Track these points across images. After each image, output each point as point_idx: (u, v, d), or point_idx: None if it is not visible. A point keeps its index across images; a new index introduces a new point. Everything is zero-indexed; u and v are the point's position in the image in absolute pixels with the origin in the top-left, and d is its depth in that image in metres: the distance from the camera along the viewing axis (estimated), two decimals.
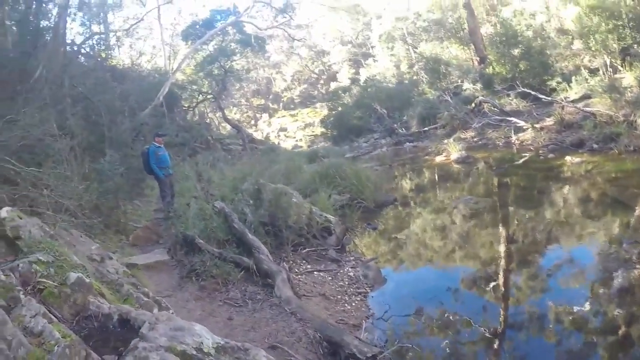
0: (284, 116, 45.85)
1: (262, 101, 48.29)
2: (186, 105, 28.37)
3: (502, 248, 9.29)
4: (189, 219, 9.26)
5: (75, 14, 23.85)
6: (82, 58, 23.52)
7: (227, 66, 27.35)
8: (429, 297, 7.25)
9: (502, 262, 8.52)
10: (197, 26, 27.97)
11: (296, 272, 8.39)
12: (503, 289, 7.41)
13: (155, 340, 3.18)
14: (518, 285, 7.59)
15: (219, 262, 7.84)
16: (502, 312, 6.58)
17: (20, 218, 5.04)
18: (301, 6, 38.73)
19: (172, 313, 5.40)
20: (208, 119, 30.80)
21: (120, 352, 3.22)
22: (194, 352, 3.14)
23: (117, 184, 11.62)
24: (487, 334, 5.93)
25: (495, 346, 5.77)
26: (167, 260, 8.72)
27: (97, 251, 6.41)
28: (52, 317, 3.55)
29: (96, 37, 26.08)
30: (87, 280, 4.17)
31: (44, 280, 3.99)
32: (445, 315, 6.61)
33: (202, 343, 3.28)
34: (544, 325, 5.97)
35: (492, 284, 7.58)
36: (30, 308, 3.52)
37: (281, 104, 48.66)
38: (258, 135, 35.57)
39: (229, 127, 31.41)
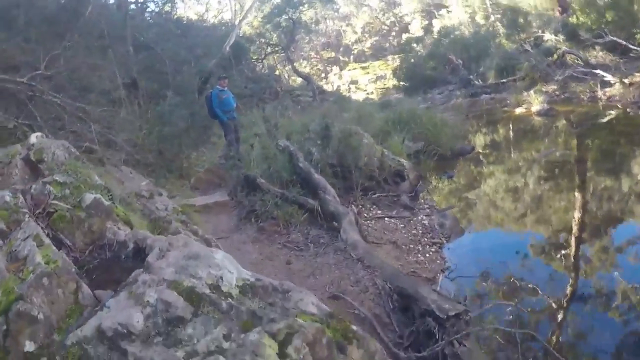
0: (354, 69, 44.30)
1: (333, 54, 46.92)
2: (255, 58, 27.66)
3: (575, 215, 8.11)
4: (251, 160, 8.74)
5: None
6: (147, 14, 23.31)
7: (295, 17, 26.21)
8: (496, 260, 6.45)
9: (574, 231, 7.47)
10: None
11: (365, 217, 7.56)
12: (572, 259, 6.54)
13: (160, 272, 2.34)
14: (588, 256, 6.68)
15: (281, 202, 7.21)
16: (569, 283, 5.89)
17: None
18: None
19: None
20: (277, 71, 29.96)
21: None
22: (207, 291, 2.25)
23: (181, 129, 11.36)
24: (552, 304, 5.28)
25: (559, 318, 5.13)
26: (226, 202, 8.28)
27: (147, 187, 5.87)
28: (48, 241, 2.84)
29: None
30: (107, 203, 3.47)
31: (55, 202, 3.33)
32: (511, 280, 5.85)
33: (221, 278, 2.36)
34: (610, 302, 5.33)
35: (561, 253, 6.71)
36: (26, 231, 2.83)
37: (352, 57, 47.07)
38: (328, 88, 34.44)
39: (299, 80, 30.53)
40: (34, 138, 4.58)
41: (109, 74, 10.98)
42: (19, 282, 2.33)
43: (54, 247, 2.70)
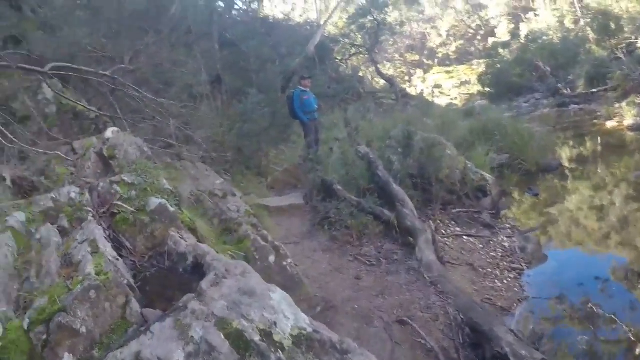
0: (438, 73, 43.18)
1: (417, 57, 45.96)
2: (339, 58, 27.55)
3: None
4: (330, 164, 8.56)
5: None
6: (235, 13, 23.81)
7: (380, 19, 25.82)
8: (574, 283, 5.92)
9: None
10: None
11: (442, 233, 7.13)
12: None
13: (211, 304, 2.11)
14: None
15: (356, 212, 6.91)
16: None
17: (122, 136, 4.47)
18: None
19: (291, 262, 4.49)
20: (361, 73, 29.69)
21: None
22: (257, 338, 1.98)
23: (261, 127, 11.39)
24: (630, 336, 4.67)
25: (637, 352, 4.53)
26: (301, 205, 8.17)
27: (221, 186, 5.81)
28: (104, 249, 2.70)
29: None
30: (172, 209, 3.33)
31: (120, 203, 3.23)
32: (589, 306, 5.29)
33: (275, 324, 2.10)
34: None
35: None
36: (85, 232, 2.71)
37: (436, 60, 45.92)
38: (411, 91, 33.74)
39: (382, 82, 30.14)
40: (109, 132, 4.61)
41: (193, 70, 11.14)
42: (66, 292, 2.21)
43: (109, 256, 2.57)
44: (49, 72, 6.31)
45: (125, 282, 2.41)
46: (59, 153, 4.60)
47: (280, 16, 28.92)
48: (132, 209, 3.25)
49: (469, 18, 46.11)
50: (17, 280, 2.48)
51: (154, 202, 3.33)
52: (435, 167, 8.06)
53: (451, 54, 46.11)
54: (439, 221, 7.43)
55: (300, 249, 6.25)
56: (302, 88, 10.39)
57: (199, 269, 2.68)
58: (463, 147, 10.45)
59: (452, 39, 47.11)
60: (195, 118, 9.33)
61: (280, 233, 6.74)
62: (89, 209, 3.19)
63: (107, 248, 2.68)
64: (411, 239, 6.21)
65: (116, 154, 4.18)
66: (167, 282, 2.72)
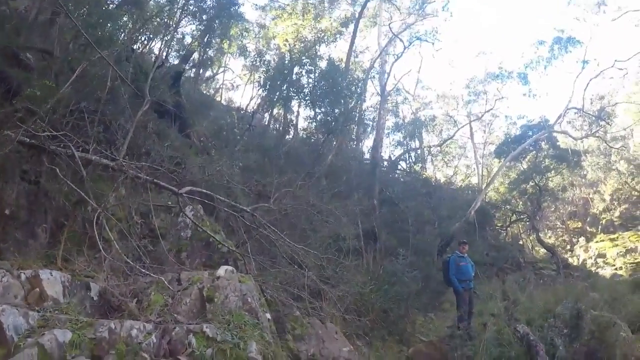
0: (602, 240, 39.24)
1: (579, 224, 42.60)
2: (499, 225, 26.63)
3: None
4: (482, 342, 7.67)
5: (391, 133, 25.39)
6: (397, 173, 24.58)
7: (542, 184, 24.86)
8: None
9: None
10: (509, 143, 26.47)
11: None
12: None
13: None
14: None
15: None
16: None
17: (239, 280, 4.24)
18: (616, 113, 33.92)
19: None
20: (521, 241, 28.21)
21: None
22: None
23: (411, 290, 10.86)
24: None
25: None
26: None
27: (348, 355, 5.25)
28: None
29: (412, 152, 27.06)
30: None
31: (184, 359, 2.81)
32: None
33: None
34: None
35: None
36: None
37: (599, 227, 42.07)
38: (573, 261, 30.97)
39: (542, 250, 28.20)
40: (222, 270, 4.29)
41: (345, 222, 11.15)
42: None
43: None
44: (183, 193, 6.40)
45: None
46: (163, 279, 4.38)
47: (442, 179, 29.27)
48: None
49: (632, 180, 42.49)
50: None
51: None
52: (607, 353, 6.88)
53: (615, 219, 42.11)
54: None
55: None
56: (459, 253, 9.95)
57: None
58: (636, 326, 8.93)
59: (615, 203, 43.34)
60: (339, 273, 9.07)
61: None
62: (146, 356, 2.73)
63: None
64: None
65: (215, 296, 3.77)
66: None
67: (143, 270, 4.67)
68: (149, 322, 3.34)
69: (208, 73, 23.73)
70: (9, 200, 5.17)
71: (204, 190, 6.92)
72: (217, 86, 26.09)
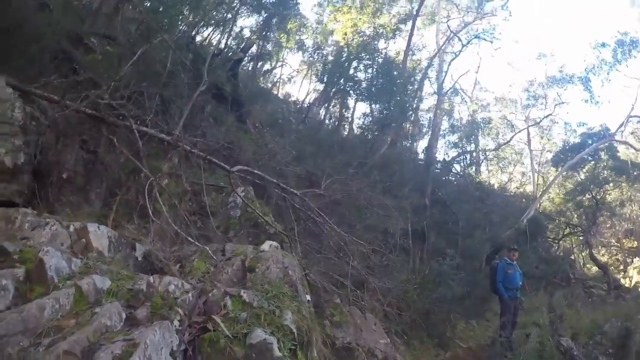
0: None
1: (635, 244, 40.45)
2: (551, 237, 25.60)
3: None
4: (523, 353, 7.45)
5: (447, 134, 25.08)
6: (451, 175, 24.10)
7: (599, 197, 23.67)
8: None
9: None
10: (567, 151, 25.40)
11: None
12: None
13: None
14: None
15: None
16: None
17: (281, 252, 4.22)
18: None
19: None
20: (573, 256, 27.07)
21: None
22: None
23: (456, 294, 10.70)
24: None
25: None
26: None
27: (384, 348, 5.11)
28: None
29: (467, 155, 26.54)
30: (278, 353, 2.72)
31: (218, 320, 2.77)
32: None
33: None
34: None
35: None
36: (142, 334, 2.42)
37: None
38: (625, 282, 29.44)
39: (594, 268, 26.94)
40: (266, 245, 4.34)
41: (395, 217, 10.95)
42: None
43: None
44: (235, 171, 6.46)
45: None
46: (207, 249, 4.44)
47: (496, 185, 28.53)
48: (228, 333, 2.67)
49: None
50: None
51: (259, 335, 2.69)
52: None
53: None
54: None
55: None
56: (508, 260, 9.64)
57: None
58: None
59: None
60: (385, 266, 8.93)
61: None
62: (181, 311, 2.75)
63: None
64: None
65: (257, 267, 3.76)
66: None
67: (189, 239, 4.74)
68: (189, 284, 3.37)
69: (266, 67, 23.96)
70: (68, 165, 5.40)
71: (256, 171, 6.98)
72: (275, 80, 26.32)
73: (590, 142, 23.99)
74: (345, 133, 19.60)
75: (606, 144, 23.75)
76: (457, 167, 25.47)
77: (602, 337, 7.66)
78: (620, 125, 23.84)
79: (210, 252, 4.30)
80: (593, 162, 24.62)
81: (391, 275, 8.95)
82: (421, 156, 21.69)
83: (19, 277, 2.94)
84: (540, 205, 24.07)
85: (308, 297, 4.09)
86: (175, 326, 2.67)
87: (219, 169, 6.87)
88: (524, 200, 26.23)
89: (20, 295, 2.86)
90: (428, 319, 10.11)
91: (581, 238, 26.40)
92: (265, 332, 2.74)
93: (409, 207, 13.24)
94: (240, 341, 2.68)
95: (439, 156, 24.25)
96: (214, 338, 2.68)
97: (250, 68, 18.99)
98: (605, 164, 24.41)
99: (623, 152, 26.34)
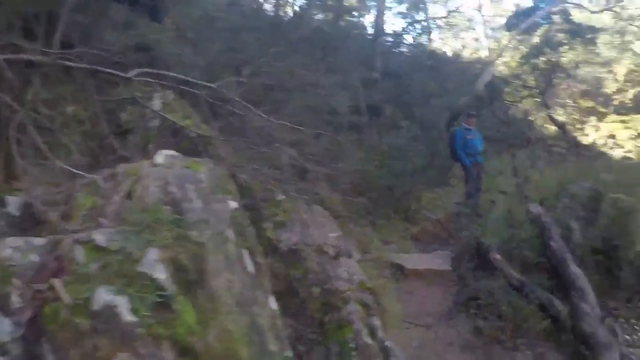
0: (613, 122, 38.80)
1: (591, 104, 41.81)
2: (509, 100, 25.96)
3: None
4: (490, 222, 7.19)
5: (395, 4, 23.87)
6: (404, 47, 23.17)
7: (554, 59, 23.80)
8: None
9: None
10: (520, 14, 24.99)
11: (628, 339, 5.09)
12: None
13: None
14: None
15: (515, 296, 5.22)
16: None
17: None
18: None
19: None
20: (531, 117, 27.69)
21: None
22: None
23: (416, 166, 10.50)
24: None
25: None
26: (445, 272, 6.59)
27: (336, 242, 4.60)
28: None
29: (417, 24, 25.23)
30: (130, 318, 2.01)
31: (58, 285, 1.94)
32: None
33: None
34: None
35: None
36: None
37: (612, 108, 41.33)
38: (583, 141, 30.84)
39: (552, 128, 27.76)
40: (160, 157, 3.32)
41: (342, 96, 10.15)
42: None
43: None
44: (133, 77, 5.39)
45: None
46: (97, 177, 3.46)
47: (450, 53, 28.04)
48: (70, 300, 1.93)
49: None
50: None
51: (101, 297, 1.93)
52: (625, 242, 6.09)
53: (628, 101, 41.26)
54: (622, 319, 5.67)
55: (430, 340, 4.78)
56: (466, 126, 9.51)
57: None
58: None
59: (629, 84, 42.10)
60: (335, 150, 8.40)
61: (411, 307, 5.42)
62: (18, 281, 2.00)
63: None
64: (587, 351, 4.38)
65: (135, 189, 2.90)
66: None
67: (76, 171, 3.74)
68: (75, 231, 2.50)
69: None
70: None
71: (162, 72, 5.85)
72: None
73: (543, 5, 23.66)
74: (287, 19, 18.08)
75: (560, 7, 23.42)
76: (408, 39, 24.75)
77: (570, 200, 7.40)
78: None
79: (99, 181, 3.36)
80: (547, 26, 24.51)
81: (343, 157, 8.47)
82: (371, 31, 20.77)
83: None
84: (496, 70, 23.89)
85: (235, 204, 3.37)
86: (13, 304, 1.94)
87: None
88: (479, 65, 25.94)
89: None
90: (391, 195, 9.95)
91: (538, 100, 26.82)
92: (110, 291, 1.96)
93: (359, 83, 12.54)
94: (84, 308, 1.93)
95: (389, 29, 23.33)
96: (54, 310, 1.93)
97: None
98: (560, 27, 24.35)
99: (577, 15, 26.17)
